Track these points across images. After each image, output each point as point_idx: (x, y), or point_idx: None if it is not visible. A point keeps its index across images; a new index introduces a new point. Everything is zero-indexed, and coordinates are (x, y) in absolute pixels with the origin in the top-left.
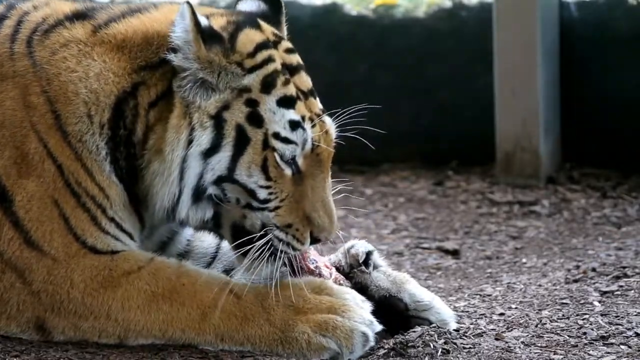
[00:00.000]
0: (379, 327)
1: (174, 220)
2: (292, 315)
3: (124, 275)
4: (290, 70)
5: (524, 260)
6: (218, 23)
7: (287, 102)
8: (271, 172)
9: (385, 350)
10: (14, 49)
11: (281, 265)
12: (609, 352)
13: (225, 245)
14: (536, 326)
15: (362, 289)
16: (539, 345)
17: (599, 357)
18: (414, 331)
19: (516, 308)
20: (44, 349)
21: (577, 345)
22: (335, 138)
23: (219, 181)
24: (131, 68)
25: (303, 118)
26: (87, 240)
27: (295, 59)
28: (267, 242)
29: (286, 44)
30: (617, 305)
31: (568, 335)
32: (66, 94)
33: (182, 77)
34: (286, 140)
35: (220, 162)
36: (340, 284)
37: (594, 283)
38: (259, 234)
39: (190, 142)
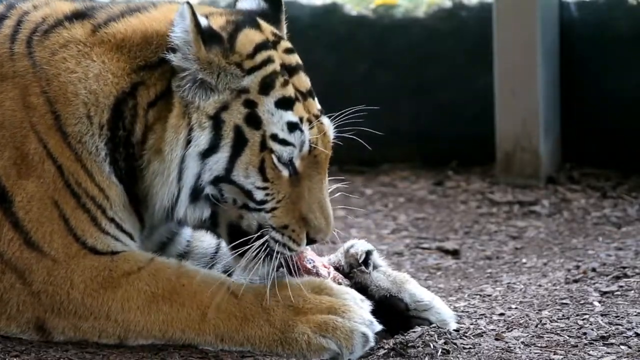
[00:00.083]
0: (378, 327)
1: (173, 219)
2: (291, 315)
3: (123, 276)
4: (289, 70)
5: (524, 260)
6: (217, 23)
7: (285, 104)
8: (268, 173)
9: (385, 350)
10: (14, 49)
11: (278, 265)
12: (609, 352)
13: (225, 245)
14: (536, 326)
15: (362, 288)
16: (539, 345)
17: (599, 357)
18: (414, 331)
19: (516, 308)
20: (44, 349)
21: (577, 345)
22: (334, 139)
23: (216, 181)
24: (130, 68)
25: (301, 120)
26: (87, 240)
27: (294, 59)
28: (264, 243)
29: (285, 43)
30: (617, 305)
31: (568, 335)
32: (66, 94)
33: (181, 77)
34: (284, 142)
35: (217, 162)
36: (339, 283)
37: (594, 283)
38: (255, 235)
39: (188, 142)
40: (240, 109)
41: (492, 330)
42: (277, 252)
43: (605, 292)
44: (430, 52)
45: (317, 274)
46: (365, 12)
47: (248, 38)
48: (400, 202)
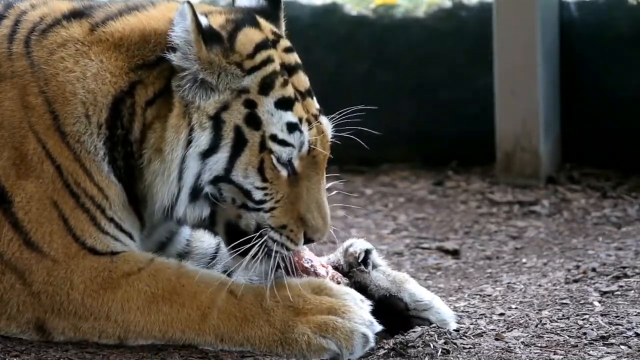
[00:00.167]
0: (379, 327)
1: (172, 218)
2: (292, 316)
3: (123, 276)
4: (289, 70)
5: (524, 260)
6: (217, 22)
7: (285, 104)
8: (267, 173)
9: (385, 351)
10: (12, 49)
11: (276, 264)
12: (609, 352)
13: (226, 250)
14: (536, 326)
15: (361, 288)
16: (539, 345)
17: (599, 357)
18: (414, 331)
19: (516, 308)
20: (44, 349)
21: (577, 345)
22: (332, 138)
23: (215, 181)
24: (128, 67)
25: (300, 120)
26: (87, 241)
27: (294, 58)
28: (262, 243)
29: (285, 42)
30: (617, 305)
31: (568, 335)
32: (64, 94)
33: (181, 76)
34: (283, 143)
35: (217, 162)
36: (338, 282)
37: (594, 283)
38: (254, 235)
39: (189, 142)
40: (240, 109)
41: (492, 330)
42: (275, 252)
43: (605, 292)
44: (430, 52)
45: (316, 274)
46: (365, 12)
47: (248, 37)
48: (400, 202)
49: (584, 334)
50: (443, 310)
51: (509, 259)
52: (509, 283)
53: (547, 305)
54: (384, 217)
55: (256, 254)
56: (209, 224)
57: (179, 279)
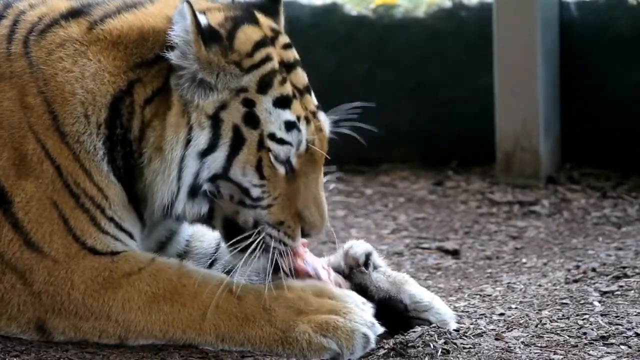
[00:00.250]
0: (380, 329)
1: (171, 215)
2: (293, 316)
3: (124, 276)
4: (287, 67)
5: (524, 260)
6: (215, 19)
7: (283, 103)
8: (265, 171)
9: (385, 351)
10: (11, 49)
11: (274, 262)
12: (609, 352)
13: (223, 244)
14: (536, 326)
15: (361, 289)
16: (539, 345)
17: (599, 357)
18: (414, 331)
19: (516, 308)
20: (44, 349)
21: (577, 345)
22: (330, 134)
23: (213, 179)
24: (127, 66)
25: (299, 118)
26: (87, 241)
27: (292, 54)
28: (260, 239)
29: (283, 39)
30: (617, 305)
31: (568, 335)
32: (63, 94)
33: (180, 75)
34: (281, 142)
35: (215, 161)
36: (339, 285)
37: (594, 283)
38: (251, 232)
39: (188, 141)
40: (238, 108)
41: (492, 330)
42: (274, 248)
43: (605, 292)
44: (430, 52)
45: (318, 277)
46: (365, 12)
47: (247, 36)
48: (400, 202)
49: (584, 334)
50: (443, 311)
51: (509, 259)
52: (509, 283)
53: (547, 305)
54: (384, 217)
55: (254, 250)
56: (208, 219)
57: (180, 278)
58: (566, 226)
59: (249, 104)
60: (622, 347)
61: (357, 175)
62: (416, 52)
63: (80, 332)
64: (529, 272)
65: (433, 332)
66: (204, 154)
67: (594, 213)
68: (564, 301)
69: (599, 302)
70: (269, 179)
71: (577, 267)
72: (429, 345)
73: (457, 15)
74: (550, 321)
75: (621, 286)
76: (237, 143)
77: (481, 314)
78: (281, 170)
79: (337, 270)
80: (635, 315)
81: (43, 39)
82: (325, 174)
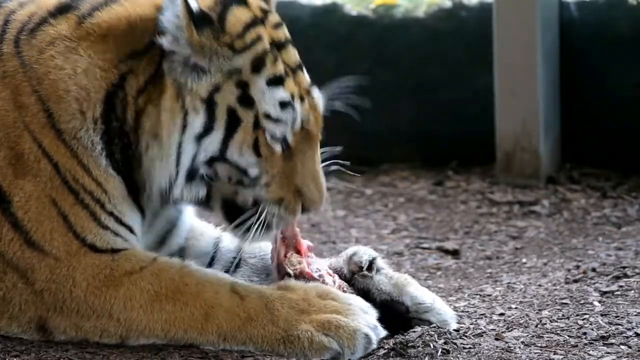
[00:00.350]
0: (383, 332)
1: (169, 199)
2: (295, 315)
3: (125, 274)
4: (278, 46)
5: (524, 260)
6: (205, 3)
7: (276, 82)
8: (262, 150)
9: (385, 351)
10: (3, 49)
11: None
12: (609, 352)
13: (224, 245)
14: (536, 326)
15: (363, 292)
16: (539, 345)
17: (599, 357)
18: (414, 331)
19: (516, 308)
20: (44, 349)
21: (577, 345)
22: (324, 111)
23: (210, 161)
24: (117, 59)
25: (292, 96)
26: (87, 237)
27: (283, 33)
28: (261, 217)
29: (273, 18)
30: (617, 305)
31: (568, 335)
32: (57, 92)
33: (172, 60)
34: (277, 120)
35: (212, 143)
36: (344, 291)
37: (594, 283)
38: (252, 210)
39: (184, 126)
40: (232, 90)
41: (492, 330)
42: (276, 224)
43: (605, 292)
44: (430, 52)
45: (324, 283)
46: (365, 12)
47: (237, 17)
48: (400, 202)
49: (584, 334)
50: (444, 311)
51: (509, 259)
52: (509, 283)
53: (547, 305)
54: (384, 217)
55: (257, 228)
56: (205, 202)
57: (182, 278)
58: (566, 226)
59: (243, 85)
60: (622, 347)
61: (351, 178)
62: (416, 52)
63: (82, 331)
64: (529, 272)
65: (433, 332)
66: (200, 137)
67: (594, 213)
68: (564, 301)
69: (599, 302)
70: (266, 158)
71: (577, 267)
72: (429, 345)
73: (457, 15)
74: (550, 321)
75: (621, 286)
76: (233, 124)
77: (481, 314)
78: (278, 148)
79: (339, 273)
80: (635, 315)
81: (34, 37)
82: (328, 162)
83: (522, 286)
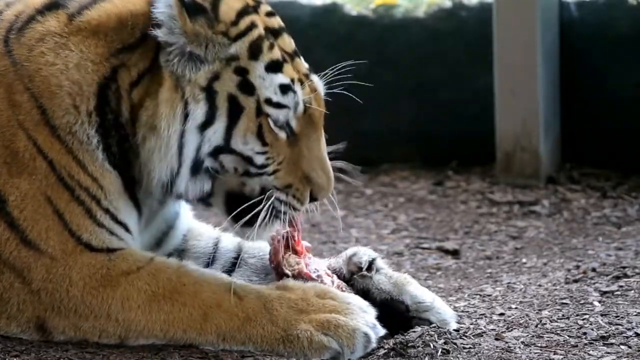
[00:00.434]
0: (382, 331)
1: (172, 194)
2: (294, 315)
3: (122, 274)
4: (273, 33)
5: (524, 260)
6: None
7: (275, 67)
8: (267, 137)
9: (385, 350)
10: None
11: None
12: (609, 352)
13: (224, 245)
14: (536, 326)
15: (363, 292)
16: (539, 345)
17: (599, 357)
18: (414, 331)
19: (516, 308)
20: (44, 349)
21: (577, 345)
22: (325, 95)
23: (215, 152)
24: (109, 53)
25: (292, 81)
26: (83, 236)
27: (277, 21)
28: (269, 205)
29: (266, 7)
30: (617, 305)
31: (568, 335)
32: (49, 88)
33: (168, 51)
34: (279, 105)
35: (216, 133)
36: (343, 291)
37: (594, 283)
38: (258, 199)
39: (186, 116)
40: (232, 77)
41: (492, 330)
42: (284, 213)
43: (605, 292)
44: (430, 52)
45: (322, 283)
46: (365, 12)
47: (229, 6)
48: (400, 202)
49: (584, 334)
50: (444, 311)
51: (509, 259)
52: (509, 283)
53: (547, 305)
54: (384, 217)
55: (264, 217)
56: (207, 197)
57: (180, 278)
58: (566, 226)
59: (242, 71)
60: (622, 347)
61: (357, 175)
62: (416, 52)
63: (81, 332)
64: (529, 272)
65: (433, 332)
66: (203, 127)
67: (594, 213)
68: (564, 301)
69: (599, 302)
70: (272, 145)
71: (577, 267)
72: (429, 345)
73: (457, 15)
74: (550, 321)
75: (621, 286)
76: (235, 112)
77: (481, 314)
78: (282, 134)
79: (338, 274)
80: (635, 315)
81: (22, 36)
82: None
83: (522, 286)
